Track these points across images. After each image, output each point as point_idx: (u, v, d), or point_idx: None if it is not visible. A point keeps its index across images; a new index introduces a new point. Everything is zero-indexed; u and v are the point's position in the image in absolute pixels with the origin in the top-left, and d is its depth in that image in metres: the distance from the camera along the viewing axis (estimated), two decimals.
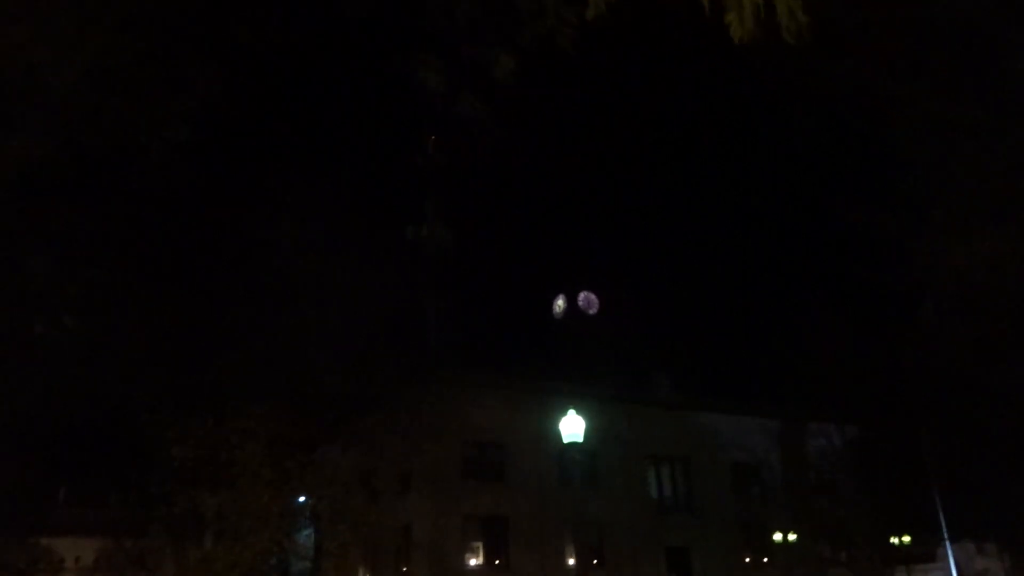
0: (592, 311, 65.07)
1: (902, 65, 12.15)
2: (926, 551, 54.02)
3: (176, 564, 21.19)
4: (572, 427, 14.84)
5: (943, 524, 42.37)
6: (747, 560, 45.59)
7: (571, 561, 42.15)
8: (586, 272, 67.35)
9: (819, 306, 28.89)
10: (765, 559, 44.91)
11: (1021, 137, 11.62)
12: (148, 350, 19.02)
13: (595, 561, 42.96)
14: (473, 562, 39.94)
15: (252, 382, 20.17)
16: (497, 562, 40.22)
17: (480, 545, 40.29)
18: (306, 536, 25.32)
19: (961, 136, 11.71)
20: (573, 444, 14.79)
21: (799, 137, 14.08)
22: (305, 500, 25.75)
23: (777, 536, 39.43)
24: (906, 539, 38.08)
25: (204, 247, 20.02)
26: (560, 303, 66.16)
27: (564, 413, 33.20)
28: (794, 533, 37.86)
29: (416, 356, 34.44)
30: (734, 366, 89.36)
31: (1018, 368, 12.34)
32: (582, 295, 65.42)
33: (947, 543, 44.80)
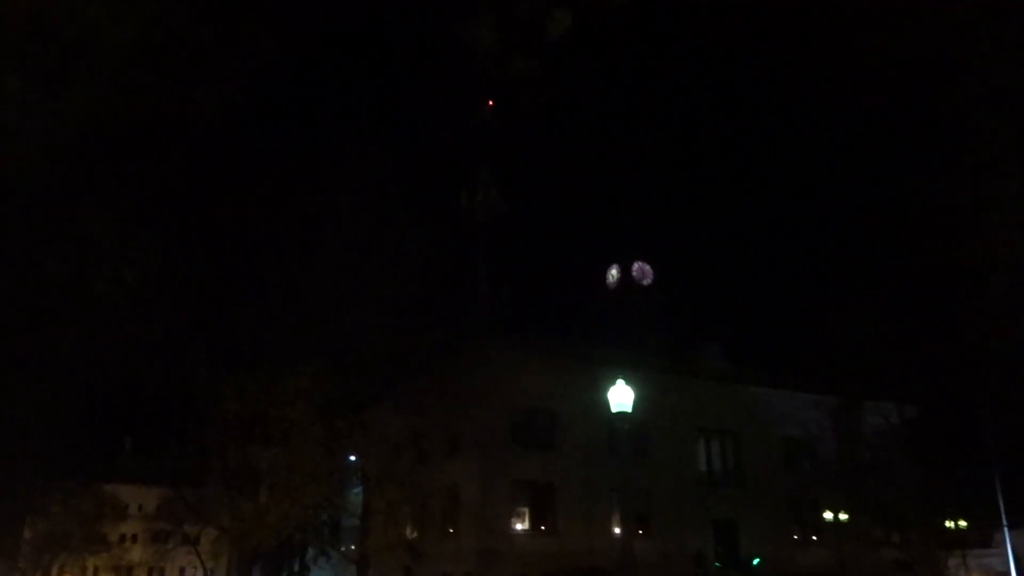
0: (646, 281, 64.45)
1: (975, 31, 11.51)
2: (982, 536, 52.72)
3: (231, 515, 21.86)
4: (621, 397, 14.73)
5: (1002, 509, 41.22)
6: (795, 536, 45.10)
7: (617, 530, 42.31)
8: (641, 242, 66.73)
9: (879, 281, 28.04)
10: (814, 536, 44.35)
11: None
12: (206, 310, 19.47)
13: (640, 531, 43.04)
14: (519, 527, 40.36)
15: (304, 343, 20.54)
16: (543, 527, 40.58)
17: (527, 510, 40.67)
18: (356, 494, 25.93)
19: None
20: (622, 414, 14.66)
21: (864, 104, 13.51)
22: (356, 459, 26.29)
23: (827, 514, 38.80)
24: (962, 523, 37.14)
25: (261, 210, 20.32)
26: (614, 272, 65.68)
27: (614, 383, 33.12)
28: (845, 512, 37.20)
29: (466, 321, 34.66)
30: (789, 340, 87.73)
31: None
32: (636, 265, 64.81)
33: (1005, 529, 43.64)
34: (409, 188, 24.78)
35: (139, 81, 13.57)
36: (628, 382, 26.02)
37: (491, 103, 69.90)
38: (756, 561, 41.36)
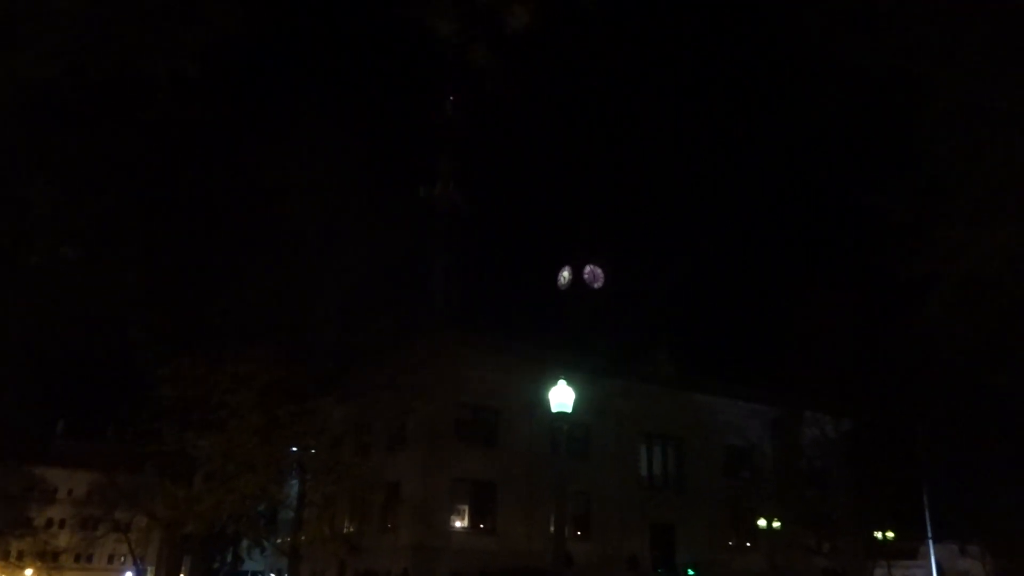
0: (597, 285, 64.79)
1: (941, 49, 11.76)
2: (909, 548, 54.30)
3: (163, 502, 21.27)
4: (561, 397, 14.68)
5: (928, 523, 42.53)
6: (731, 542, 45.83)
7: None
8: (593, 245, 66.99)
9: (824, 294, 28.62)
10: (749, 543, 45.13)
11: None
12: (147, 287, 18.88)
13: (579, 532, 43.26)
14: (459, 524, 40.16)
15: (249, 327, 20.07)
16: (483, 526, 40.46)
17: (467, 508, 40.49)
18: (295, 485, 25.42)
19: (993, 126, 11.35)
20: (562, 414, 14.63)
21: (822, 117, 13.72)
22: (296, 450, 25.82)
23: (762, 522, 39.53)
24: (890, 534, 38.16)
25: (210, 187, 19.82)
26: (566, 274, 65.86)
27: (574, 385, 33.10)
28: (780, 520, 37.94)
29: (418, 314, 34.35)
30: (736, 349, 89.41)
31: (1019, 368, 12.13)
32: (588, 268, 65.10)
33: (930, 541, 45.06)
34: (369, 178, 24.38)
35: (90, 47, 13.06)
36: (573, 384, 25.97)
37: (453, 97, 69.63)
38: (691, 572, 41.89)
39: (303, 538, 20.66)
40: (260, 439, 17.63)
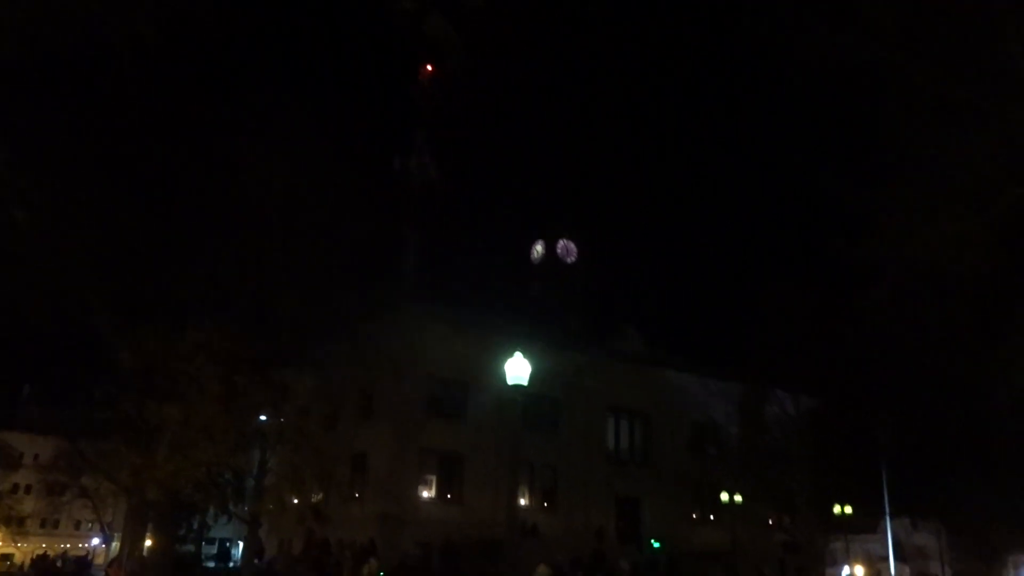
0: (570, 260, 64.94)
1: (904, 40, 11.83)
2: (867, 523, 55.52)
3: (124, 469, 21.19)
4: (517, 369, 14.72)
5: (886, 498, 43.45)
6: (694, 516, 46.65)
7: (523, 502, 42.89)
8: (567, 220, 67.05)
9: (789, 274, 28.99)
10: (712, 517, 45.94)
11: (1009, 122, 11.41)
12: (104, 254, 18.61)
13: (546, 504, 43.75)
14: (426, 494, 40.47)
15: (209, 297, 19.88)
16: (450, 496, 40.79)
17: (434, 479, 40.79)
18: (269, 456, 25.38)
19: (949, 116, 11.49)
20: (517, 386, 14.68)
21: (785, 104, 13.79)
22: (264, 419, 25.77)
23: (725, 497, 40.22)
24: (848, 510, 38.97)
25: (170, 154, 19.51)
26: (539, 248, 65.91)
27: (532, 357, 33.19)
28: (742, 495, 38.61)
29: (386, 287, 34.18)
30: (703, 328, 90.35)
31: (968, 353, 12.38)
32: (561, 243, 65.19)
33: (887, 516, 46.08)
34: (339, 148, 24.04)
35: (45, 13, 12.76)
36: (540, 358, 25.92)
37: (430, 69, 68.86)
38: (656, 545, 42.59)
39: (264, 507, 20.63)
40: (220, 407, 17.54)
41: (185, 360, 17.29)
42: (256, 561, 34.62)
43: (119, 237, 18.61)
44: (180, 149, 19.90)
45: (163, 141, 19.39)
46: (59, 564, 40.38)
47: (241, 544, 44.13)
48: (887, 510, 44.74)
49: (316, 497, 42.71)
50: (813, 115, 13.98)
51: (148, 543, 30.59)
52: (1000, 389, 11.90)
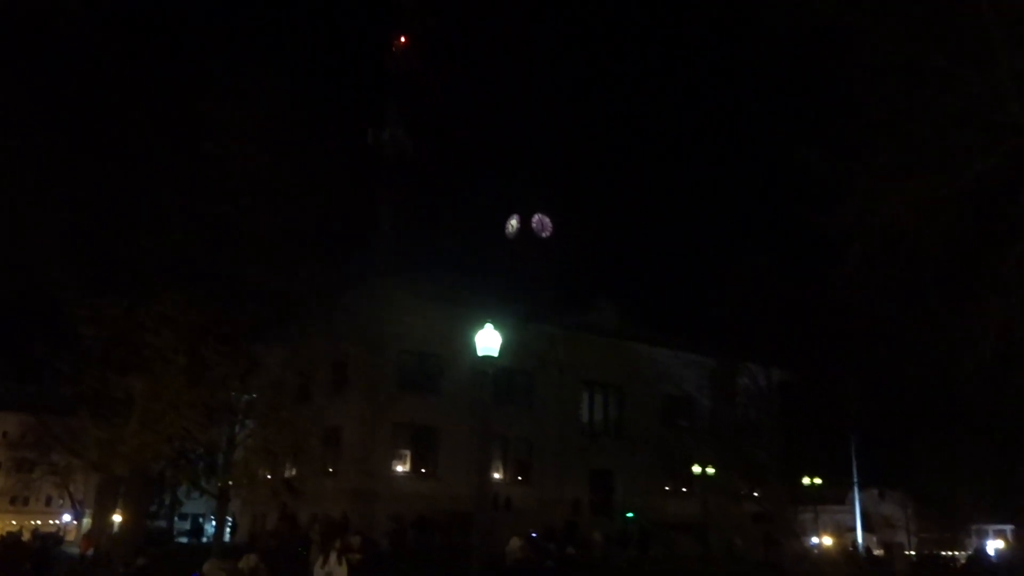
0: (545, 234, 64.80)
1: (872, 3, 11.74)
2: (836, 494, 56.53)
3: (87, 445, 20.85)
4: (487, 341, 14.60)
5: (855, 470, 44.23)
6: (667, 488, 47.15)
7: (497, 475, 43.09)
8: (542, 194, 66.89)
9: (761, 246, 29.09)
10: (684, 489, 46.45)
11: (979, 88, 11.39)
12: (67, 223, 18.17)
13: (520, 477, 43.98)
14: (400, 469, 40.49)
15: (174, 267, 19.47)
16: (424, 470, 40.84)
17: (409, 453, 40.80)
18: (239, 430, 25.05)
19: (916, 80, 11.45)
20: (487, 358, 14.58)
21: (755, 73, 13.66)
22: (235, 394, 25.48)
23: (697, 468, 40.65)
24: (817, 481, 39.58)
25: (135, 120, 18.99)
26: (514, 223, 65.65)
27: (505, 330, 33.00)
28: (714, 467, 39.04)
29: (359, 259, 33.84)
30: (676, 301, 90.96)
31: (935, 322, 12.46)
32: (536, 217, 64.97)
33: (856, 488, 46.95)
34: (310, 119, 23.50)
35: None
36: (512, 330, 25.66)
37: (403, 40, 67.87)
38: (630, 515, 43.03)
39: (231, 482, 20.43)
40: (186, 381, 17.26)
41: (150, 332, 16.96)
42: (228, 536, 34.58)
43: (81, 206, 18.16)
44: (144, 114, 19.38)
45: (126, 106, 18.88)
46: (29, 540, 39.90)
47: (214, 519, 44.04)
48: (855, 481, 45.62)
49: (290, 472, 42.61)
50: (783, 83, 13.93)
51: (118, 519, 30.36)
52: (965, 359, 12.00)
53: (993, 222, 12.09)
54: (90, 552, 29.22)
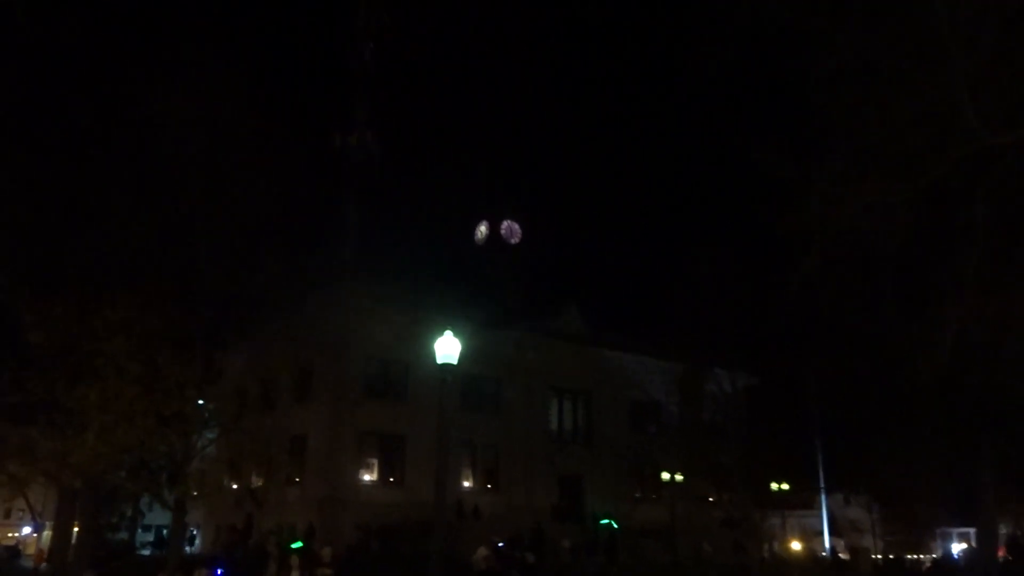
0: (514, 240, 64.70)
1: (828, 4, 11.76)
2: (804, 498, 56.92)
3: (37, 455, 20.20)
4: (447, 348, 14.40)
5: (821, 475, 44.58)
6: (637, 494, 47.14)
7: (466, 483, 42.74)
8: (509, 200, 66.69)
9: (723, 249, 29.17)
10: (654, 495, 46.48)
11: (934, 90, 11.43)
12: (11, 221, 17.57)
13: (488, 485, 43.66)
14: (367, 477, 39.96)
15: (127, 270, 18.93)
16: (391, 479, 40.36)
17: (375, 461, 40.29)
18: (205, 438, 24.56)
19: (873, 83, 11.48)
20: (447, 365, 14.37)
21: (714, 76, 13.66)
22: (202, 403, 24.93)
23: (665, 475, 40.65)
24: (784, 486, 39.78)
25: (86, 115, 18.45)
26: (483, 229, 65.48)
27: (470, 337, 32.71)
28: (682, 473, 39.07)
29: (324, 264, 33.36)
30: (644, 306, 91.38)
31: (893, 325, 12.49)
32: (505, 223, 64.88)
33: (823, 492, 47.32)
34: (273, 120, 23.02)
35: None
36: (474, 337, 25.42)
37: (370, 43, 67.48)
38: (605, 521, 42.93)
39: (188, 492, 19.91)
40: (140, 388, 16.77)
41: (101, 338, 16.45)
42: (187, 548, 33.76)
43: (29, 204, 17.59)
44: (97, 108, 18.83)
45: (77, 100, 18.32)
46: None
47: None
48: (822, 485, 45.99)
49: (256, 481, 41.90)
50: (742, 86, 13.93)
51: (76, 531, 29.49)
52: (923, 360, 12.03)
53: (950, 225, 12.17)
54: (43, 565, 28.38)
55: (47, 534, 56.43)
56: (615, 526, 42.26)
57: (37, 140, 18.03)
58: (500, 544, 31.42)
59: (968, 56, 10.72)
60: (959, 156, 11.27)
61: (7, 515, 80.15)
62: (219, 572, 25.38)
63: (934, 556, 55.83)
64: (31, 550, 62.72)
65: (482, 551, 29.13)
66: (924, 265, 12.31)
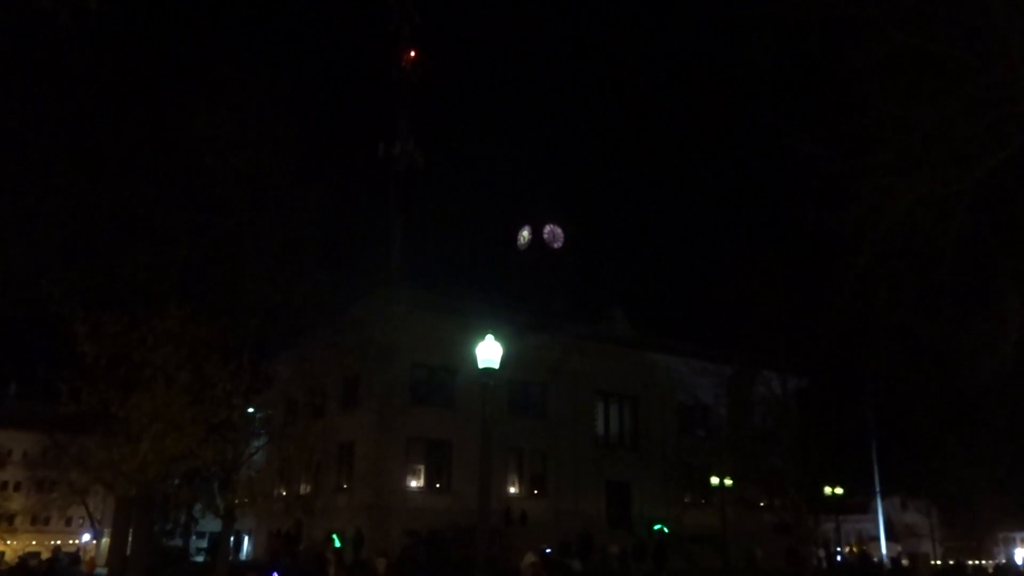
0: (556, 244, 64.51)
1: None
2: (858, 503, 55.57)
3: (89, 464, 20.67)
4: (488, 353, 14.24)
5: (876, 477, 43.45)
6: (686, 500, 46.47)
7: (513, 489, 42.63)
8: (553, 205, 66.61)
9: (772, 249, 28.55)
10: (703, 500, 45.75)
11: (989, 81, 10.99)
12: (64, 237, 18.04)
13: (536, 491, 43.48)
14: (414, 483, 40.16)
15: (175, 282, 19.30)
16: (438, 485, 40.48)
17: (422, 467, 40.47)
18: (255, 447, 24.98)
19: (926, 72, 11.06)
20: (488, 370, 14.22)
21: (759, 71, 13.31)
22: (254, 411, 25.27)
23: (715, 479, 39.98)
24: (839, 490, 38.82)
25: (133, 132, 18.89)
26: (525, 234, 65.44)
27: (516, 342, 32.58)
28: (732, 477, 38.38)
29: (370, 272, 33.62)
30: (690, 308, 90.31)
31: (951, 323, 12.03)
32: (548, 227, 64.74)
33: (878, 496, 46.11)
34: (319, 133, 23.37)
35: None
36: (520, 342, 25.10)
37: (413, 54, 68.00)
38: (657, 527, 42.48)
39: (236, 500, 20.19)
40: (189, 398, 17.06)
41: (150, 349, 16.78)
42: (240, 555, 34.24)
43: (80, 220, 18.06)
44: (144, 125, 19.28)
45: (125, 117, 18.77)
46: (37, 563, 39.87)
47: (232, 538, 43.80)
48: (877, 489, 44.82)
49: (305, 488, 42.36)
50: (788, 81, 13.55)
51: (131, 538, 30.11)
52: (983, 361, 11.54)
53: (1009, 218, 11.68)
54: (97, 572, 29.00)
55: (105, 541, 57.95)
56: (666, 531, 41.74)
57: (89, 158, 18.49)
58: (547, 550, 31.20)
59: None
60: (1018, 144, 10.81)
61: (68, 523, 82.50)
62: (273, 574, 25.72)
63: (998, 562, 53.90)
64: (91, 556, 64.49)
65: (529, 557, 28.90)
66: (983, 261, 11.82)
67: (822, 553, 43.40)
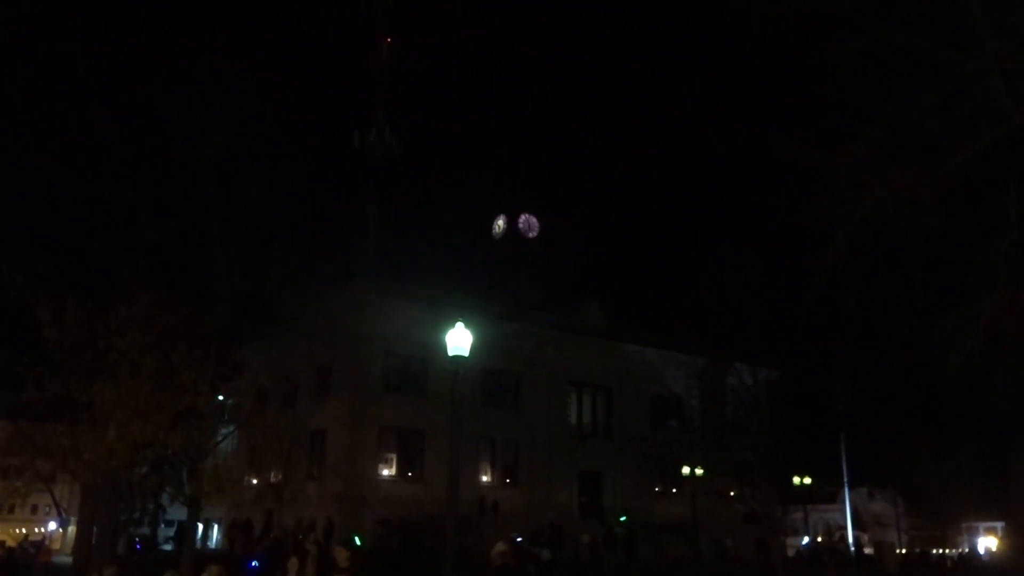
0: (532, 234, 64.43)
1: None
2: (827, 492, 56.33)
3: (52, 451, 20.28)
4: (458, 340, 14.11)
5: (844, 468, 44.04)
6: (657, 489, 46.78)
7: (485, 479, 42.61)
8: (528, 195, 66.52)
9: (744, 241, 28.70)
10: (674, 490, 46.07)
11: (962, 75, 11.02)
12: (29, 222, 17.62)
13: (508, 480, 43.51)
14: (386, 472, 39.97)
15: (143, 268, 18.93)
16: (410, 473, 40.34)
17: (395, 457, 40.29)
18: (223, 435, 24.64)
19: (900, 67, 11.08)
20: (459, 358, 14.09)
21: (734, 63, 13.28)
22: (225, 400, 24.94)
23: (686, 469, 40.25)
24: (807, 480, 39.26)
25: (101, 116, 18.48)
26: (501, 223, 65.26)
27: (489, 331, 32.40)
28: (703, 468, 38.64)
29: (344, 261, 33.34)
30: (664, 300, 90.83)
31: (921, 317, 12.10)
32: (523, 217, 64.62)
33: (846, 486, 46.77)
34: (291, 120, 23.02)
35: None
36: (493, 331, 25.03)
37: (388, 40, 67.41)
38: (623, 519, 42.60)
39: (205, 489, 19.88)
40: (155, 385, 16.74)
41: (114, 334, 16.43)
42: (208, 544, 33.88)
43: (46, 205, 17.64)
44: (112, 110, 18.88)
45: (93, 102, 18.35)
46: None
47: (201, 526, 43.32)
48: (846, 480, 45.44)
49: (276, 477, 42.00)
50: (763, 73, 13.54)
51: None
52: (953, 354, 11.63)
53: (980, 212, 11.76)
54: (56, 559, 28.40)
55: (72, 529, 57.11)
56: (628, 522, 41.93)
57: (56, 142, 18.08)
58: (519, 539, 31.19)
59: (999, 36, 10.30)
60: (989, 140, 10.86)
61: (34, 511, 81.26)
62: (253, 564, 25.36)
63: (960, 551, 54.94)
64: (57, 545, 63.55)
65: (500, 546, 28.86)
66: (954, 255, 11.89)
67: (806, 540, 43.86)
